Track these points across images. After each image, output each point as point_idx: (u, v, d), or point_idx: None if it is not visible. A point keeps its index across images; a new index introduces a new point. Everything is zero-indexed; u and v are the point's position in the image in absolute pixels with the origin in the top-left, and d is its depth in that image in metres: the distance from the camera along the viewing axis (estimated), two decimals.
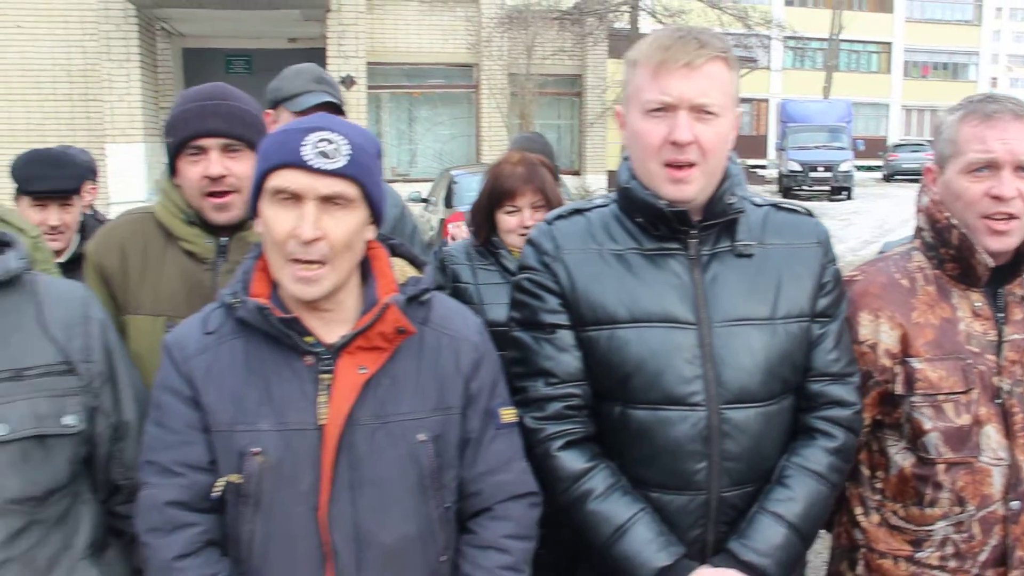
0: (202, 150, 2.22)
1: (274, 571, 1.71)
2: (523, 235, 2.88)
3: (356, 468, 1.70)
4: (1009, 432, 2.04)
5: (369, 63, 17.94)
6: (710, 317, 1.90)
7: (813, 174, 25.66)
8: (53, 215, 3.30)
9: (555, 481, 1.91)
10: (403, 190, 12.13)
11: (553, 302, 1.95)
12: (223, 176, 2.20)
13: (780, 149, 29.40)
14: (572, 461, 1.91)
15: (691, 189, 1.88)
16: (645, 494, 1.91)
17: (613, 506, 1.88)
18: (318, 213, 1.64)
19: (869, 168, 35.81)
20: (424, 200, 14.39)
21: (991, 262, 2.05)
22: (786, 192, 25.37)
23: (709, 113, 1.84)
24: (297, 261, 1.65)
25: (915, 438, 2.07)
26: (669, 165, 1.86)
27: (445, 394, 1.79)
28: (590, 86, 21.60)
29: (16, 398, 1.64)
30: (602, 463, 1.93)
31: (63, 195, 3.35)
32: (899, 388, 2.07)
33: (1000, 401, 2.05)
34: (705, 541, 1.92)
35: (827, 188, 25.53)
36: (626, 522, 1.86)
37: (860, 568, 2.18)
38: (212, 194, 2.22)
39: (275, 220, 1.66)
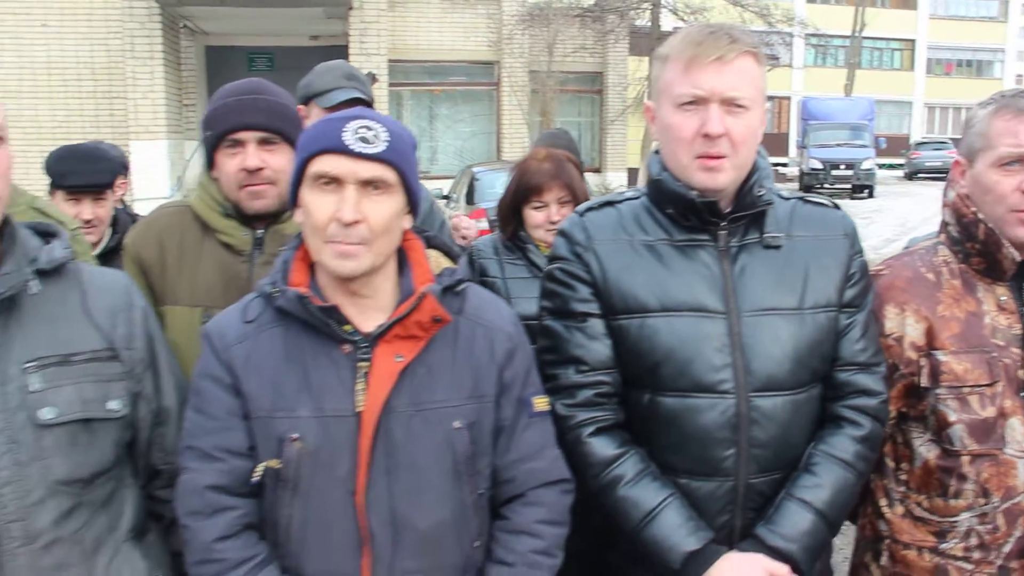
0: (240, 143, 2.26)
1: (312, 554, 1.75)
2: (550, 230, 2.93)
3: (392, 454, 1.74)
4: None
5: (390, 60, 18.01)
6: (739, 307, 1.93)
7: (834, 172, 25.52)
8: (87, 209, 3.37)
9: (586, 467, 1.94)
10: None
11: (584, 291, 1.99)
12: (260, 169, 2.25)
13: (801, 147, 29.27)
14: (603, 447, 1.94)
15: (723, 178, 1.91)
16: (674, 480, 1.95)
17: (643, 491, 1.91)
18: (358, 197, 1.68)
19: (891, 166, 35.60)
20: (445, 197, 14.45)
21: (1017, 256, 2.07)
22: (807, 190, 25.23)
23: (739, 106, 1.88)
24: (336, 243, 1.69)
25: (940, 430, 2.09)
26: (701, 157, 1.90)
27: (480, 382, 1.82)
28: (611, 83, 21.60)
29: (64, 383, 1.68)
30: (632, 449, 1.96)
31: (97, 189, 3.42)
32: (924, 380, 2.09)
33: None
34: (733, 527, 1.96)
35: (848, 186, 25.37)
36: (656, 507, 1.90)
37: (884, 559, 2.20)
38: (248, 186, 2.27)
39: (316, 204, 1.70)
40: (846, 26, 36.16)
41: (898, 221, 19.17)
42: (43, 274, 1.72)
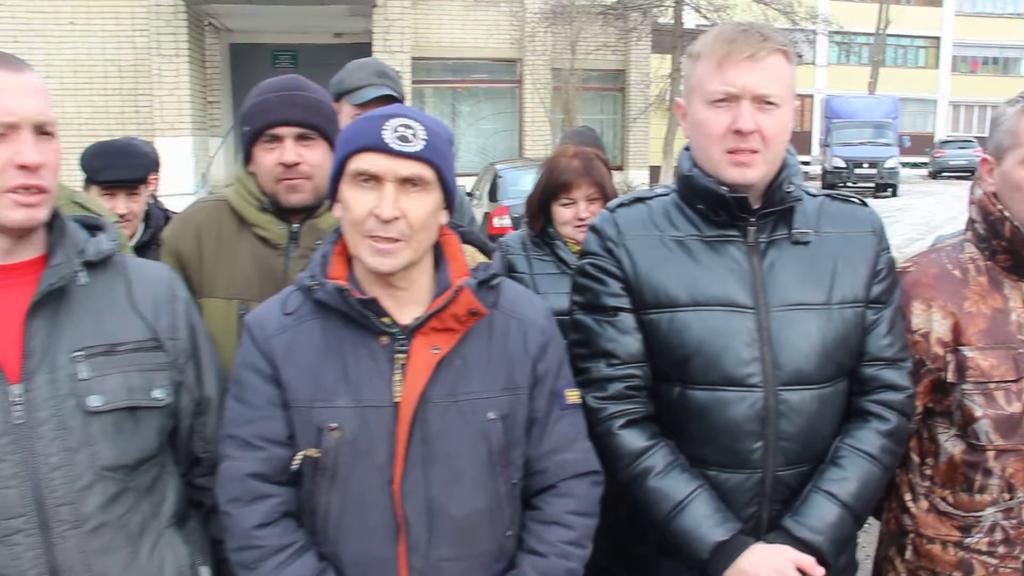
0: (277, 138, 2.30)
1: (349, 541, 1.79)
2: (578, 227, 2.95)
3: (429, 444, 1.77)
4: None
5: (413, 58, 18.09)
6: (768, 302, 1.96)
7: (858, 171, 25.38)
8: (121, 203, 3.43)
9: (616, 458, 1.98)
10: None
11: (616, 286, 2.02)
12: (297, 163, 2.29)
13: (824, 145, 29.11)
14: (633, 439, 1.98)
15: (753, 173, 1.94)
16: (703, 472, 1.98)
17: (672, 483, 1.95)
18: (397, 194, 1.72)
19: (915, 165, 35.36)
20: (468, 194, 14.50)
21: None
22: (829, 189, 25.06)
23: (770, 104, 1.91)
24: (376, 238, 1.73)
25: (965, 425, 2.10)
26: (732, 152, 1.93)
27: (514, 375, 1.85)
28: (633, 81, 21.59)
29: (110, 372, 1.73)
30: (662, 441, 1.99)
31: (130, 184, 3.48)
32: (950, 376, 2.11)
33: None
34: (760, 518, 1.99)
35: (871, 185, 25.22)
36: (685, 498, 1.93)
37: (909, 553, 2.22)
38: (285, 180, 2.31)
39: (355, 201, 1.74)
40: (870, 23, 35.91)
41: (922, 220, 19.06)
42: (90, 266, 1.77)
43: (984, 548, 2.12)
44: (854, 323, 2.01)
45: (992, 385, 2.08)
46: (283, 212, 2.36)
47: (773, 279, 1.98)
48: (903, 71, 43.75)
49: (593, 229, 2.10)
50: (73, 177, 3.37)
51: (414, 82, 18.61)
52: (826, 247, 2.02)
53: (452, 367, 1.80)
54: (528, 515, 1.91)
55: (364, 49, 17.28)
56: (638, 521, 2.08)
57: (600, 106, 22.13)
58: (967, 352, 2.10)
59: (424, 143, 1.74)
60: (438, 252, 1.88)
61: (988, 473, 2.10)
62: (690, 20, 22.40)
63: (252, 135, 2.33)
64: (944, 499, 2.17)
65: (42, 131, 1.66)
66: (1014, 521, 2.10)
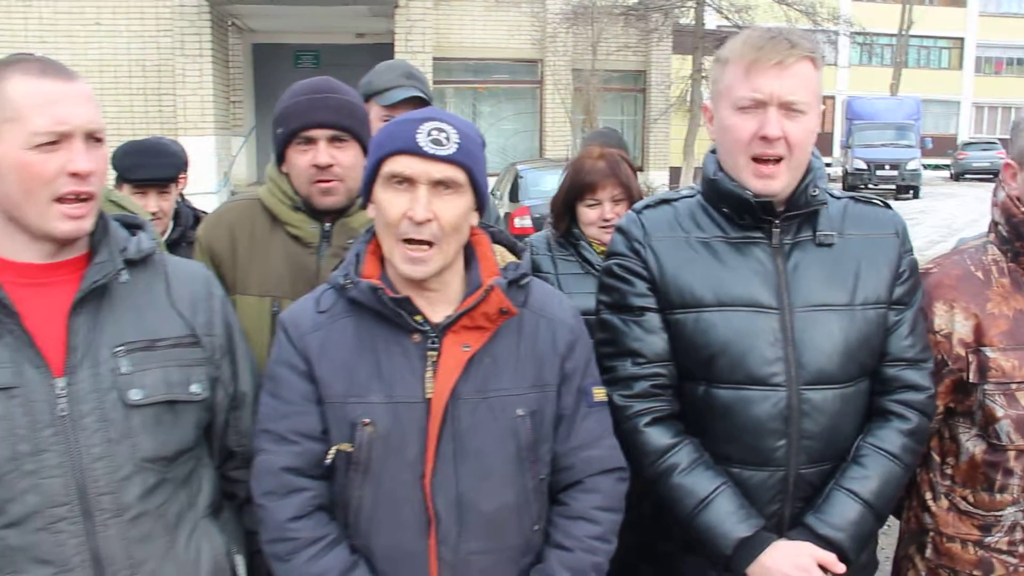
0: (311, 140, 2.34)
1: (381, 534, 1.83)
2: (603, 227, 2.97)
3: (459, 440, 1.81)
4: None
5: (435, 58, 18.13)
6: (791, 302, 2.00)
7: (879, 172, 25.27)
8: (152, 202, 3.49)
9: (642, 455, 2.01)
10: None
11: (642, 286, 2.06)
12: (330, 165, 2.33)
13: (845, 147, 28.97)
14: (658, 437, 2.01)
15: (777, 184, 1.97)
16: (726, 469, 2.01)
17: (697, 479, 1.98)
18: (430, 196, 1.76)
19: (937, 167, 35.11)
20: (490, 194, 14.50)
21: None
22: (850, 191, 24.90)
23: (797, 110, 1.94)
24: (408, 241, 1.77)
25: (987, 425, 2.12)
26: (757, 160, 1.96)
27: (542, 372, 1.88)
28: (654, 82, 21.56)
29: (150, 366, 1.78)
30: (686, 439, 2.03)
31: (162, 183, 3.54)
32: (972, 376, 2.13)
33: None
34: (782, 515, 2.02)
35: (893, 187, 25.10)
36: (709, 495, 1.97)
37: (929, 552, 2.24)
38: (319, 182, 2.35)
39: (389, 203, 1.78)
40: (893, 24, 35.71)
41: (944, 223, 18.95)
42: (131, 264, 1.82)
43: (1004, 547, 2.14)
44: (876, 324, 2.04)
45: (1014, 386, 2.10)
46: (315, 212, 2.40)
47: (797, 280, 2.01)
48: (926, 72, 43.44)
49: (620, 230, 2.14)
50: None
51: (435, 82, 18.64)
52: (850, 249, 2.05)
53: (482, 364, 1.83)
54: (555, 510, 1.94)
55: (386, 49, 17.36)
56: (662, 517, 2.11)
57: (621, 107, 22.11)
58: (989, 353, 2.12)
59: (457, 146, 1.77)
60: (469, 252, 1.92)
61: (1009, 473, 2.12)
62: (711, 21, 22.35)
63: (285, 137, 2.37)
64: (964, 498, 2.19)
65: (93, 138, 1.71)
66: None
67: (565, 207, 3.07)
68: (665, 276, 2.04)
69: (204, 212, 3.95)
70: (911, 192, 25.15)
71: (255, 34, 19.89)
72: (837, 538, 1.95)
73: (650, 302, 2.05)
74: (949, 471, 2.22)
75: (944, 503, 2.22)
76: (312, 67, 20.02)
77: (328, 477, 1.87)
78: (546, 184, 12.47)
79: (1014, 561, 2.13)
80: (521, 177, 13.76)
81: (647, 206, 2.15)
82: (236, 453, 2.01)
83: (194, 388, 1.84)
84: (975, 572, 2.17)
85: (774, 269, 2.02)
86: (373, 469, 1.81)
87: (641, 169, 21.42)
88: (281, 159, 2.42)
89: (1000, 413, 2.10)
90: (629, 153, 3.57)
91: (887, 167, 25.26)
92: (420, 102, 2.94)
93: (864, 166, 25.48)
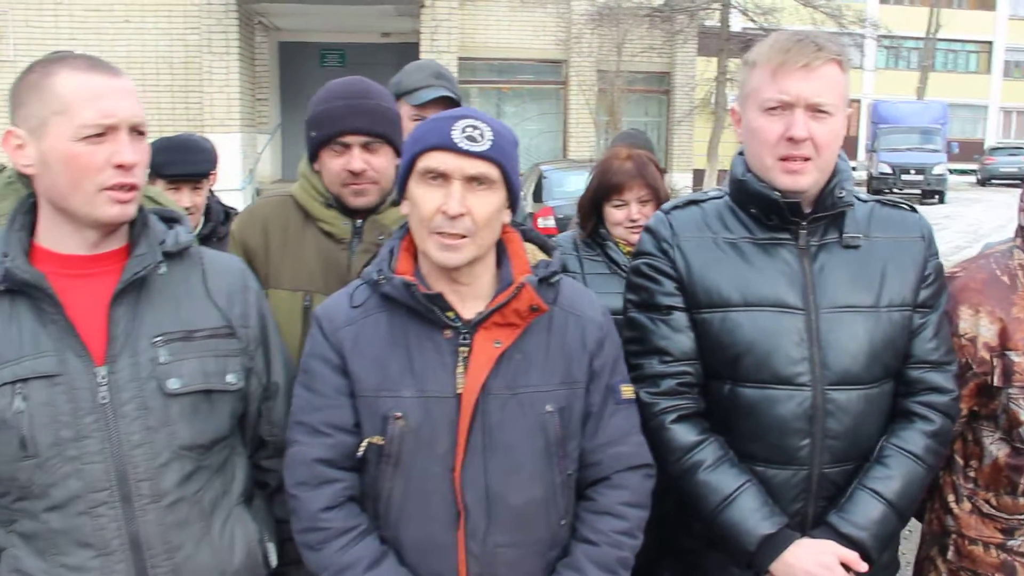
0: (345, 145, 2.37)
1: (410, 526, 1.86)
2: (629, 228, 2.99)
3: (489, 434, 1.84)
4: None
5: (459, 58, 18.16)
6: (817, 303, 2.02)
7: (904, 177, 25.09)
8: (186, 197, 3.54)
9: (668, 452, 2.04)
10: None
11: (669, 285, 2.08)
12: (363, 171, 2.37)
13: (871, 151, 28.77)
14: (684, 434, 2.04)
15: (805, 180, 1.99)
16: (751, 467, 2.03)
17: (721, 477, 2.00)
18: (463, 192, 1.79)
19: (963, 171, 34.83)
20: None
21: None
22: (875, 195, 24.72)
23: (823, 112, 1.96)
24: (442, 234, 1.80)
25: (1011, 429, 2.13)
26: (784, 159, 1.98)
27: (571, 369, 1.91)
28: (678, 84, 21.50)
29: (188, 357, 1.82)
30: (712, 437, 2.05)
31: (195, 179, 3.59)
32: (996, 380, 2.14)
33: None
34: (806, 514, 2.04)
35: (918, 192, 24.92)
36: (733, 492, 1.99)
37: (951, 554, 2.25)
38: (352, 184, 2.39)
39: (424, 198, 1.82)
40: (920, 27, 35.46)
41: (969, 228, 18.81)
42: (169, 256, 1.86)
43: None
44: (901, 326, 2.05)
45: None
46: (347, 208, 2.44)
47: (823, 281, 2.03)
48: (953, 76, 43.02)
49: (648, 230, 2.17)
50: None
51: (460, 82, 18.39)
52: (876, 251, 2.07)
53: (512, 361, 1.86)
54: (582, 505, 1.96)
55: (411, 49, 17.43)
56: (685, 514, 2.14)
57: (645, 108, 22.07)
58: (1014, 357, 2.13)
59: (491, 143, 1.80)
60: (501, 249, 1.95)
61: None
62: (737, 23, 22.26)
63: (319, 141, 2.40)
64: (987, 501, 2.20)
65: (136, 131, 1.76)
66: None
67: (592, 207, 3.09)
68: (692, 276, 2.07)
69: (233, 208, 4.01)
70: (936, 197, 24.94)
71: (281, 32, 20.00)
72: (860, 537, 1.97)
73: (677, 301, 2.08)
74: (972, 474, 2.23)
75: (967, 506, 2.23)
76: (337, 66, 20.11)
77: (359, 469, 1.90)
78: (570, 185, 12.48)
79: None
80: (545, 178, 13.77)
81: (675, 207, 2.18)
82: (268, 443, 2.05)
83: (230, 378, 1.88)
84: (997, 575, 2.17)
85: (800, 270, 2.04)
86: (404, 462, 1.84)
87: (664, 171, 21.27)
88: (314, 158, 2.46)
89: None
90: (656, 154, 3.59)
91: (912, 172, 25.07)
92: (449, 102, 2.97)
93: (889, 170, 25.30)
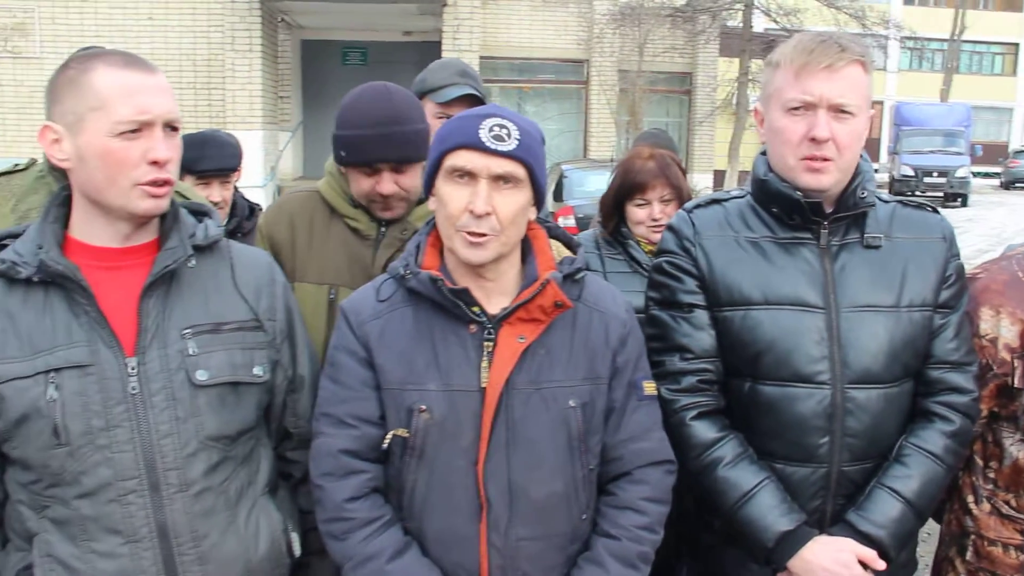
0: (376, 169, 2.36)
1: (433, 518, 1.88)
2: (651, 227, 3.01)
3: (512, 428, 1.86)
4: None
5: (481, 57, 18.19)
6: (838, 303, 2.03)
7: (927, 179, 24.94)
8: (215, 192, 3.59)
9: (688, 448, 2.05)
10: None
11: (691, 283, 2.10)
12: (393, 193, 2.37)
13: (893, 153, 28.62)
14: (704, 430, 2.05)
15: (827, 179, 2.00)
16: (770, 465, 2.05)
17: (741, 473, 2.02)
18: (490, 190, 1.81)
19: (987, 175, 34.56)
20: None
21: None
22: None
23: (846, 112, 1.97)
24: (468, 232, 1.82)
25: None
26: (806, 159, 1.99)
27: (594, 365, 1.93)
28: (700, 84, 21.44)
29: (215, 349, 1.85)
30: (731, 434, 2.07)
31: (224, 173, 3.64)
32: (1017, 381, 2.14)
33: None
34: (824, 512, 2.05)
35: (940, 194, 24.73)
36: (752, 488, 2.01)
37: (969, 555, 2.25)
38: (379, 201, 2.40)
39: (450, 196, 1.84)
40: (945, 29, 35.20)
41: (992, 231, 18.67)
42: (199, 249, 1.89)
43: None
44: (921, 326, 2.06)
45: None
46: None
47: (844, 281, 2.04)
48: (978, 78, 42.65)
49: (670, 228, 2.18)
50: None
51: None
52: (897, 252, 2.08)
53: (536, 356, 1.88)
54: (603, 500, 1.98)
55: (433, 48, 17.46)
56: (704, 511, 2.16)
57: (666, 108, 22.02)
58: None
59: (518, 142, 1.82)
60: (526, 246, 1.96)
61: None
62: (759, 24, 22.19)
63: (349, 162, 2.39)
64: (1007, 502, 2.20)
65: (170, 127, 1.80)
66: None
67: (614, 206, 3.10)
68: (714, 274, 2.08)
69: (258, 204, 4.06)
70: (959, 200, 24.76)
71: (304, 30, 20.09)
72: (878, 535, 1.98)
73: (699, 299, 2.10)
74: (992, 475, 2.24)
75: (986, 506, 2.23)
76: (359, 64, 20.20)
77: (384, 461, 1.92)
78: (590, 184, 12.49)
79: None
80: (565, 177, 13.79)
81: (698, 205, 2.20)
82: (293, 434, 2.07)
83: (256, 370, 1.91)
84: None
85: (821, 269, 2.05)
86: (428, 454, 1.86)
87: (685, 172, 21.27)
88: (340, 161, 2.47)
89: None
90: (678, 154, 3.60)
91: (935, 174, 24.91)
92: (474, 100, 2.99)
93: (911, 173, 25.15)
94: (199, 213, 1.99)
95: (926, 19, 33.55)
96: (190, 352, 1.82)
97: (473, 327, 1.87)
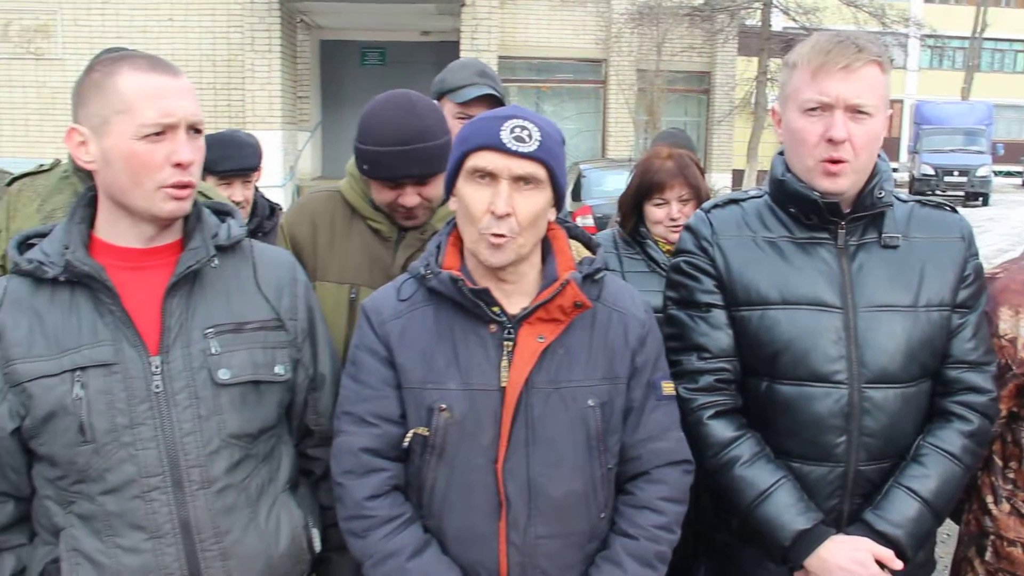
0: (400, 183, 2.37)
1: (453, 516, 1.90)
2: (669, 227, 3.02)
3: (531, 427, 1.87)
4: None
5: (499, 57, 18.20)
6: (855, 302, 2.03)
7: (947, 179, 24.73)
8: (237, 192, 3.62)
9: (705, 447, 2.06)
10: None
11: (709, 283, 2.11)
12: (416, 205, 2.38)
13: (913, 152, 28.39)
14: (721, 429, 2.06)
15: (844, 182, 2.01)
16: (787, 464, 2.05)
17: (758, 472, 2.03)
18: (511, 191, 1.83)
19: (1009, 174, 34.26)
20: None
21: None
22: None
23: (863, 113, 1.97)
24: (490, 235, 1.83)
25: None
26: (824, 161, 1.99)
27: (613, 365, 1.94)
28: (718, 83, 21.36)
29: (237, 348, 1.88)
30: (749, 433, 2.08)
31: (245, 173, 3.67)
32: None
33: None
34: (841, 511, 2.05)
35: (961, 194, 24.53)
36: (769, 487, 2.01)
37: (989, 555, 2.25)
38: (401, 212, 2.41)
39: (472, 197, 1.85)
40: (966, 27, 34.90)
41: (1013, 231, 18.52)
42: (221, 249, 1.92)
43: None
44: (940, 326, 2.06)
45: None
46: None
47: (862, 280, 2.04)
48: (1000, 76, 42.22)
49: (688, 228, 2.19)
50: None
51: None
52: (915, 251, 2.08)
53: (556, 356, 1.89)
54: (621, 499, 1.99)
55: (451, 48, 17.49)
56: (721, 510, 2.17)
57: (684, 108, 21.95)
58: None
59: (539, 144, 1.83)
60: (546, 246, 1.98)
61: None
62: (778, 23, 22.08)
63: (371, 176, 2.39)
64: None
65: (194, 129, 1.82)
66: None
67: (633, 205, 3.11)
68: (732, 274, 2.09)
69: (278, 204, 4.09)
70: (980, 199, 24.56)
71: (323, 31, 20.16)
72: (895, 535, 1.98)
73: (716, 299, 2.11)
74: (1011, 475, 2.23)
75: (1005, 507, 2.23)
76: (378, 64, 20.24)
77: (404, 459, 1.94)
78: (608, 184, 12.49)
79: None
80: (584, 176, 13.78)
81: (715, 205, 2.21)
82: (314, 432, 2.09)
83: (278, 369, 1.93)
84: None
85: (839, 269, 2.05)
86: (448, 453, 1.88)
87: (703, 171, 21.18)
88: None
89: None
90: (696, 154, 3.60)
91: (956, 173, 24.70)
92: (493, 100, 3.00)
93: (932, 172, 24.95)
94: (222, 213, 2.02)
95: (947, 16, 33.31)
96: (212, 351, 1.85)
97: (493, 327, 1.89)
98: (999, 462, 2.26)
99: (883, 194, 2.06)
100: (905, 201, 2.17)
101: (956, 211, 2.20)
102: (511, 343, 1.88)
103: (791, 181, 2.07)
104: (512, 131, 1.82)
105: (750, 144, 19.89)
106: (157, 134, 1.76)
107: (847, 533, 2.02)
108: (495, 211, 1.81)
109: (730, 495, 2.06)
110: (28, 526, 1.89)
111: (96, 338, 1.78)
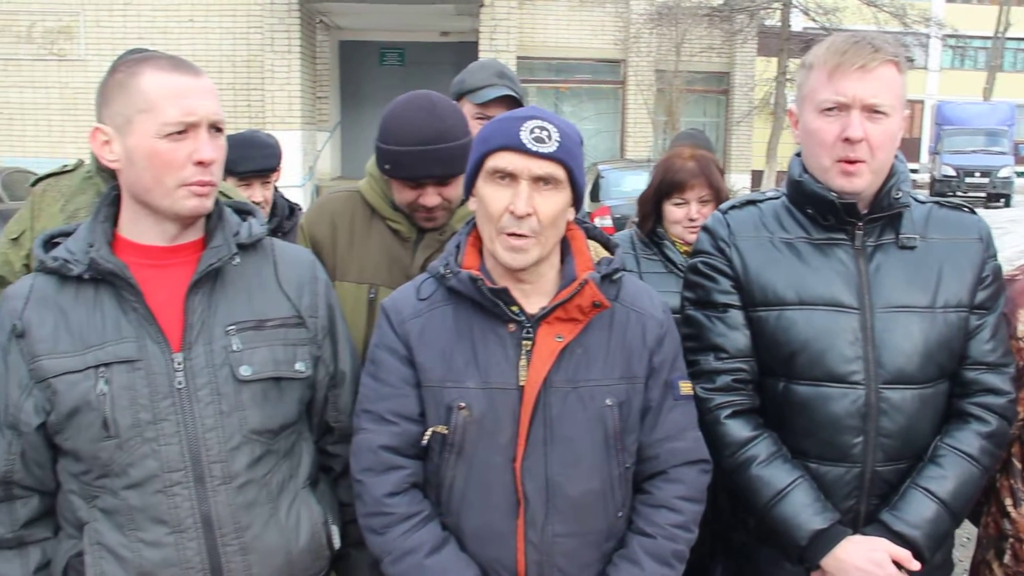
0: (421, 184, 2.39)
1: (471, 514, 1.91)
2: (688, 227, 3.02)
3: (550, 426, 1.89)
4: None
5: (518, 57, 18.22)
6: (872, 303, 2.03)
7: (968, 180, 24.52)
8: (257, 192, 3.65)
9: (722, 447, 2.07)
10: None
11: (726, 284, 2.12)
12: (437, 205, 2.41)
13: (934, 153, 28.18)
14: (738, 429, 2.07)
15: (861, 182, 2.01)
16: (804, 464, 2.06)
17: (775, 472, 2.03)
18: (530, 192, 1.84)
19: None
20: None
21: None
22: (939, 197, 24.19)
23: (880, 113, 1.98)
24: (510, 235, 1.85)
25: None
26: (841, 160, 2.00)
27: (631, 364, 1.95)
28: (737, 84, 21.32)
29: (258, 345, 1.90)
30: (765, 432, 2.08)
31: (265, 174, 3.70)
32: None
33: None
34: (858, 512, 2.06)
35: (983, 195, 24.34)
36: (786, 487, 2.02)
37: (1008, 557, 2.24)
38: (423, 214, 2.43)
39: (491, 197, 1.87)
40: (988, 26, 34.61)
41: None
42: (243, 248, 1.94)
43: None
44: (957, 327, 2.06)
45: None
46: None
47: (879, 281, 2.05)
48: (1022, 76, 41.94)
49: (706, 229, 2.20)
50: None
51: None
52: (932, 252, 2.08)
53: (574, 355, 1.91)
54: (638, 498, 2.00)
55: (470, 48, 17.53)
56: (738, 510, 2.17)
57: (703, 108, 21.92)
58: None
59: (558, 144, 1.85)
60: (564, 246, 1.99)
61: None
62: (797, 23, 22.00)
63: (392, 176, 2.41)
64: None
65: (215, 128, 1.85)
66: None
67: (653, 205, 3.12)
68: (749, 274, 2.10)
69: (297, 204, 4.12)
70: (1002, 200, 24.34)
71: (342, 31, 20.25)
72: (912, 535, 1.98)
73: (734, 299, 2.11)
74: None
75: None
76: (397, 65, 20.32)
77: (423, 457, 1.96)
78: (627, 184, 12.48)
79: None
80: (602, 177, 13.78)
81: (733, 206, 2.21)
82: (334, 429, 2.11)
83: (298, 366, 1.95)
84: None
85: (856, 270, 2.06)
86: (466, 451, 1.89)
87: (722, 172, 21.12)
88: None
89: None
90: (715, 155, 3.60)
91: (977, 174, 24.50)
92: (512, 101, 3.01)
93: (953, 173, 24.75)
94: (244, 212, 2.04)
95: (968, 16, 33.07)
96: (234, 348, 1.87)
97: (512, 326, 1.90)
98: (1018, 464, 2.24)
99: (900, 195, 2.06)
100: (923, 202, 2.17)
101: (974, 212, 2.20)
102: (530, 342, 1.89)
103: (808, 182, 2.07)
104: (532, 132, 1.84)
105: (769, 145, 19.83)
106: (179, 133, 1.79)
107: (864, 534, 2.02)
108: (515, 211, 1.83)
109: (747, 495, 2.07)
110: (53, 520, 1.92)
111: (120, 335, 1.81)
